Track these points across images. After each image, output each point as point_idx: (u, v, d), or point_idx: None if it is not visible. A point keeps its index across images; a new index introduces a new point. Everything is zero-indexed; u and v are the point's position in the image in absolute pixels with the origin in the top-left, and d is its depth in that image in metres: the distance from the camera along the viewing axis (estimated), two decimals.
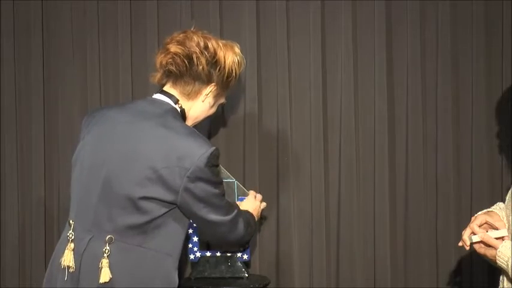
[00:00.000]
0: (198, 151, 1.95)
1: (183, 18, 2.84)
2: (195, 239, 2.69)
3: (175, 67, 2.06)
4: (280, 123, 2.87)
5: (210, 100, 2.13)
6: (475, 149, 2.86)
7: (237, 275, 2.67)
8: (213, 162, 1.97)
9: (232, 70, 2.11)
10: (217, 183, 2.02)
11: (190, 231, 2.68)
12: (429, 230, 2.88)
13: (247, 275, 2.67)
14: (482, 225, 2.06)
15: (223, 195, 2.07)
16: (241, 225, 2.12)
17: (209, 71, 2.07)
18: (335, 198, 2.87)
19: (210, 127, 2.85)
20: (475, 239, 2.03)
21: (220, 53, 2.08)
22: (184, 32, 2.10)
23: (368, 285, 2.87)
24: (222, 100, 2.21)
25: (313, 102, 2.86)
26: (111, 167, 1.98)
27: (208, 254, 2.69)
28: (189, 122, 2.15)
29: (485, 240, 2.00)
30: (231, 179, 2.68)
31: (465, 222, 2.20)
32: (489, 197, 2.78)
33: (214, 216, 2.03)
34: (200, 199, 1.98)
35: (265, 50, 2.86)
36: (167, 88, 2.10)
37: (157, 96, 2.09)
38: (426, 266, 2.88)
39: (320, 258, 2.86)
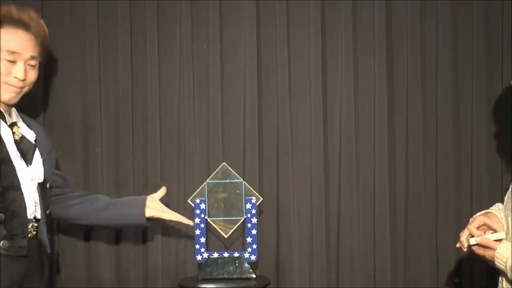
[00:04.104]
0: None
1: (183, 18, 2.84)
2: (202, 239, 2.67)
3: None
4: (280, 123, 2.86)
5: None
6: (475, 149, 2.86)
7: (244, 276, 2.66)
8: None
9: None
10: None
11: (198, 231, 2.68)
12: (429, 230, 2.88)
13: (254, 276, 2.66)
14: (481, 226, 2.06)
15: None
16: None
17: None
18: (335, 199, 2.87)
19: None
20: (473, 241, 2.03)
21: None
22: None
23: (368, 285, 2.87)
24: None
25: (313, 102, 2.86)
26: None
27: (215, 254, 2.68)
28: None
29: (483, 243, 2.00)
30: (239, 179, 2.68)
31: (465, 222, 2.20)
32: (489, 197, 2.77)
33: None
34: None
35: (265, 50, 2.86)
36: None
37: None
38: (426, 266, 2.88)
39: (320, 258, 2.85)
